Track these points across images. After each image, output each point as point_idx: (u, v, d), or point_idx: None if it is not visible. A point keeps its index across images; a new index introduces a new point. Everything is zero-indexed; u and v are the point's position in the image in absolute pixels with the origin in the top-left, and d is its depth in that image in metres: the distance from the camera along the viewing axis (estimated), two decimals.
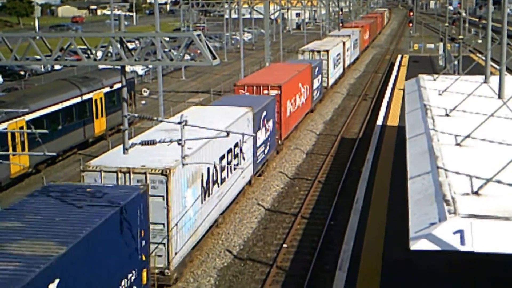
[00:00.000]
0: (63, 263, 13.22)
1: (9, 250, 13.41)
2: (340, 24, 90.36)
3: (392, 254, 19.08)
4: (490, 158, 14.44)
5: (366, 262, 18.84)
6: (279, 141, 36.11)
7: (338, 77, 61.96)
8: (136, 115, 17.91)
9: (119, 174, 19.99)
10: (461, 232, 10.66)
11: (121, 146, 18.58)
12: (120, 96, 17.14)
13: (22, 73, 65.98)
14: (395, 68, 63.94)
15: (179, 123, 16.12)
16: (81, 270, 14.02)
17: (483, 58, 24.82)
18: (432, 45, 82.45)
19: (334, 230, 25.95)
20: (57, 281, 12.92)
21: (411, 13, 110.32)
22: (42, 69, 68.43)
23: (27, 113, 31.81)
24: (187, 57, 38.72)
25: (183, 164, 16.58)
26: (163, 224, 19.94)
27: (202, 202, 22.79)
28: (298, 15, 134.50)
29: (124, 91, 16.61)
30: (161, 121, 18.59)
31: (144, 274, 17.63)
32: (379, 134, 34.68)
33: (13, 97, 35.59)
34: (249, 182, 30.18)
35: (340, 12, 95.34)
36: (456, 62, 47.54)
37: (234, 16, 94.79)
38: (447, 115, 18.98)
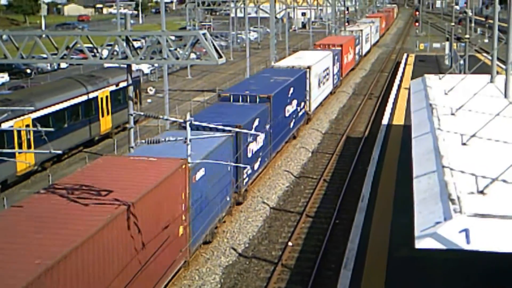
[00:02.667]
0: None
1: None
2: (346, 24, 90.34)
3: (397, 253, 19.08)
4: (495, 157, 14.43)
5: (371, 260, 18.84)
6: (341, 77, 59.85)
7: (368, 50, 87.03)
8: (142, 113, 17.98)
9: (289, 67, 43.12)
10: (466, 231, 10.66)
11: (293, 57, 50.61)
12: (126, 95, 17.19)
13: (28, 71, 66.14)
14: (401, 67, 63.87)
15: (184, 122, 16.17)
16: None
17: (489, 57, 24.78)
18: (438, 45, 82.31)
19: (339, 229, 25.97)
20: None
21: (417, 13, 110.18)
22: (48, 67, 68.55)
23: (33, 111, 31.89)
24: (192, 55, 38.70)
25: (189, 163, 16.63)
26: (307, 91, 42.89)
27: (317, 89, 46.22)
28: (303, 14, 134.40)
29: (130, 90, 16.66)
30: (166, 119, 18.66)
31: (305, 107, 41.69)
32: (385, 133, 34.67)
33: (19, 95, 35.68)
34: (330, 93, 53.42)
35: (346, 11, 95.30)
36: (462, 62, 47.45)
37: (240, 15, 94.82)
38: (452, 114, 18.96)
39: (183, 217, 20.31)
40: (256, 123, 29.03)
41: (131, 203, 16.43)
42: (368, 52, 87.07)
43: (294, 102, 38.16)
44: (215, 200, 23.51)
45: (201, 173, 21.44)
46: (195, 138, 17.44)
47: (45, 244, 13.94)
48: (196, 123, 17.65)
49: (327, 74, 50.77)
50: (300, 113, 40.47)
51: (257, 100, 31.90)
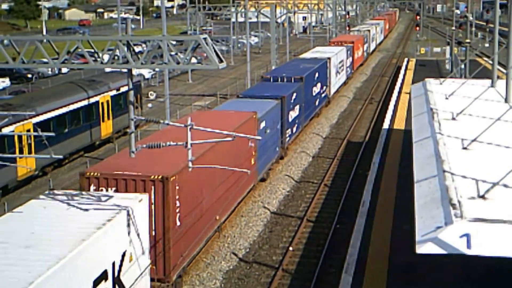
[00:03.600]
0: None
1: None
2: (347, 28, 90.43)
3: (398, 258, 19.06)
4: (496, 162, 14.42)
5: (372, 265, 18.82)
6: (353, 70, 69.32)
7: (373, 49, 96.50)
8: (143, 118, 17.97)
9: (312, 58, 51.50)
10: (467, 235, 10.65)
11: (314, 50, 61.07)
12: (127, 99, 17.18)
13: (30, 76, 66.19)
14: (402, 71, 63.88)
15: (185, 126, 16.15)
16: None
17: (490, 62, 24.77)
18: (439, 49, 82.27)
19: (340, 233, 25.93)
20: None
21: (418, 17, 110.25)
22: (49, 72, 68.63)
23: (34, 116, 31.90)
24: (193, 60, 38.83)
25: (190, 167, 16.62)
26: (328, 77, 50.76)
27: (335, 77, 54.74)
28: (304, 18, 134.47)
29: (131, 94, 16.65)
30: (167, 124, 18.62)
31: (326, 90, 50.34)
32: (386, 138, 34.65)
33: (20, 100, 35.70)
34: (344, 83, 62.26)
35: (347, 16, 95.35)
36: (463, 66, 47.47)
37: (241, 19, 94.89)
38: (453, 119, 18.96)
39: (253, 152, 28.74)
40: (294, 96, 37.47)
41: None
42: (374, 50, 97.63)
43: (319, 85, 46.84)
44: (270, 147, 32.31)
45: (263, 124, 30.29)
46: (195, 143, 17.43)
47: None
48: (199, 127, 17.69)
49: (342, 65, 60.28)
50: (323, 95, 49.31)
51: (292, 80, 40.44)
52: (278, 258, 24.02)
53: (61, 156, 21.57)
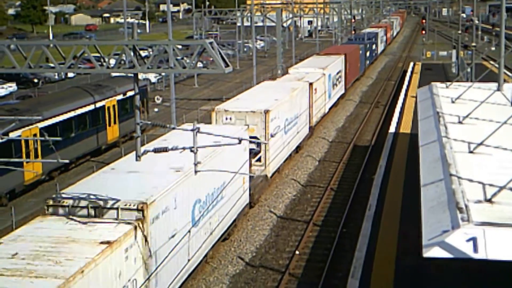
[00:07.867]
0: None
1: None
2: (353, 32, 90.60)
3: (405, 262, 19.02)
4: (503, 165, 14.39)
5: (378, 269, 18.79)
6: (387, 43, 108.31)
7: (394, 36, 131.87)
8: (149, 122, 17.99)
9: (368, 33, 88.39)
10: (474, 239, 10.63)
11: (366, 30, 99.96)
12: (133, 104, 17.22)
13: (36, 80, 66.40)
14: (408, 75, 63.82)
15: (192, 130, 16.19)
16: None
17: (496, 65, 24.72)
18: (445, 53, 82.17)
19: (347, 237, 25.91)
20: None
21: (424, 21, 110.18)
22: (56, 77, 68.83)
23: (41, 121, 31.98)
24: (199, 64, 39.12)
25: (196, 172, 16.67)
26: (377, 43, 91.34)
27: (380, 44, 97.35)
28: (310, 22, 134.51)
29: (137, 99, 16.68)
30: (173, 128, 18.68)
31: (376, 50, 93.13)
32: (392, 142, 34.62)
33: (27, 105, 35.80)
34: (382, 51, 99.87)
35: (353, 20, 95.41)
36: (469, 70, 47.41)
37: (247, 24, 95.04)
38: (460, 122, 18.94)
39: (358, 62, 64.85)
40: (367, 46, 73.60)
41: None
42: (395, 37, 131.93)
43: (374, 45, 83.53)
44: (361, 64, 67.50)
45: (361, 51, 66.99)
46: (202, 147, 17.50)
47: None
48: (204, 130, 17.78)
49: (382, 38, 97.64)
50: (375, 52, 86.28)
51: (365, 39, 76.16)
52: (285, 262, 24.00)
53: (67, 161, 21.61)
